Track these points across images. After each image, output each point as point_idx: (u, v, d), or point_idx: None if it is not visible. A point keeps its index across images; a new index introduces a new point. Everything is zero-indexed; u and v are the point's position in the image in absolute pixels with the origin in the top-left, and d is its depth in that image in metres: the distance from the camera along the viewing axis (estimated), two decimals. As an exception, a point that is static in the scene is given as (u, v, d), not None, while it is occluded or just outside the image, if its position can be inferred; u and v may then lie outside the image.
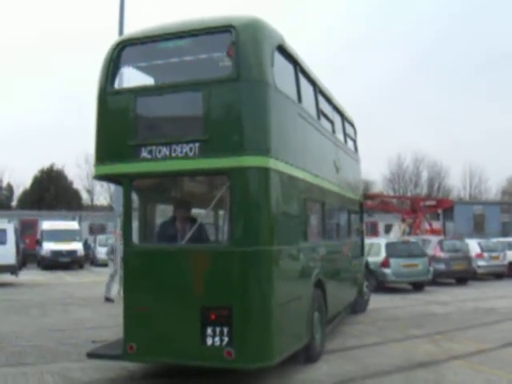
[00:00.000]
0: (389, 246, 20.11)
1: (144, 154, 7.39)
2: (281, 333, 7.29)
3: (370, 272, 19.16)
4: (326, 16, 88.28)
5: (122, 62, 7.85)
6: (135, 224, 7.86)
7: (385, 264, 19.34)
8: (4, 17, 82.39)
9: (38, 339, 10.88)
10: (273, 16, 8.54)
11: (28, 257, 31.56)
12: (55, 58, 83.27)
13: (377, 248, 20.10)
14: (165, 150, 7.30)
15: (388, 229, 42.12)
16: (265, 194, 7.13)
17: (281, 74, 7.83)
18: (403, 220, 33.48)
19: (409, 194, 62.28)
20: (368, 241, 21.62)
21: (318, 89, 9.95)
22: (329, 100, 11.09)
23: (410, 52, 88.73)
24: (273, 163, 7.19)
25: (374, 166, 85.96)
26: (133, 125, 7.52)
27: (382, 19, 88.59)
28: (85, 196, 62.61)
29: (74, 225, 36.69)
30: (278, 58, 7.83)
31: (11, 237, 22.69)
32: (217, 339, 6.90)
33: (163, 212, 9.09)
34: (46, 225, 34.97)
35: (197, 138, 7.16)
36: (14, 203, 59.25)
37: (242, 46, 7.12)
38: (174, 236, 7.92)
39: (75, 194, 58.98)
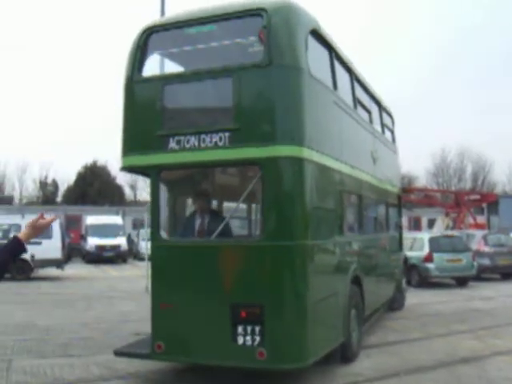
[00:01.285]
0: (432, 240, 19.70)
1: (172, 144, 7.16)
2: (316, 332, 6.98)
3: (412, 267, 19.06)
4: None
5: (150, 49, 7.62)
6: (163, 218, 7.66)
7: (428, 259, 18.96)
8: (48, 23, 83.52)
9: (83, 331, 11.06)
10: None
11: (73, 251, 32.05)
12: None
13: (420, 243, 19.77)
14: (193, 140, 7.06)
15: (431, 223, 41.36)
16: (299, 185, 6.82)
17: (315, 59, 7.49)
18: (447, 214, 32.76)
19: (453, 188, 61.03)
20: (411, 235, 21.55)
21: (354, 76, 9.57)
22: (366, 89, 10.69)
23: (452, 39, 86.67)
24: (307, 153, 6.87)
25: (417, 161, 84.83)
26: (160, 114, 7.29)
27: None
28: (128, 191, 63.19)
29: (117, 219, 36.95)
30: (313, 43, 7.50)
31: (57, 231, 22.97)
32: (248, 338, 6.64)
33: (192, 206, 8.86)
34: (91, 220, 35.36)
35: (227, 127, 6.88)
36: (58, 199, 60.07)
37: (274, 30, 6.81)
38: (193, 230, 7.68)
39: (118, 189, 59.49)
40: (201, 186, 8.78)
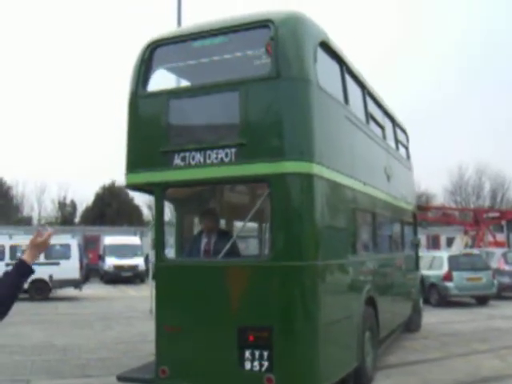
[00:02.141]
0: (451, 258, 19.40)
1: (177, 161, 6.88)
2: (328, 357, 6.60)
3: (432, 286, 18.84)
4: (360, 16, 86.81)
5: (154, 64, 7.38)
6: (170, 237, 7.37)
7: (447, 277, 18.66)
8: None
9: (101, 352, 10.92)
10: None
11: (91, 271, 31.90)
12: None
13: (439, 261, 19.49)
14: (199, 157, 6.77)
15: (450, 242, 40.63)
16: (309, 202, 6.49)
17: (325, 72, 7.20)
18: (466, 232, 32.16)
19: (471, 206, 60.20)
20: (430, 254, 21.43)
21: (366, 91, 9.25)
22: (379, 104, 10.35)
23: (472, 55, 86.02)
24: (317, 169, 6.55)
25: (434, 179, 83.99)
26: (165, 130, 7.03)
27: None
28: (145, 211, 63.04)
29: (135, 240, 36.74)
30: (322, 56, 7.20)
31: (75, 252, 23.02)
32: (256, 364, 6.28)
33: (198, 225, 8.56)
34: (109, 240, 35.23)
35: (233, 143, 6.59)
36: (77, 219, 60.13)
37: (282, 42, 6.53)
38: (200, 249, 7.37)
39: (136, 210, 59.30)
40: (208, 204, 8.48)
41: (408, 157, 13.52)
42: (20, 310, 16.88)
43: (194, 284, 6.77)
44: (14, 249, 22.58)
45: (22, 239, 23.97)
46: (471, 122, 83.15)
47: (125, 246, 34.26)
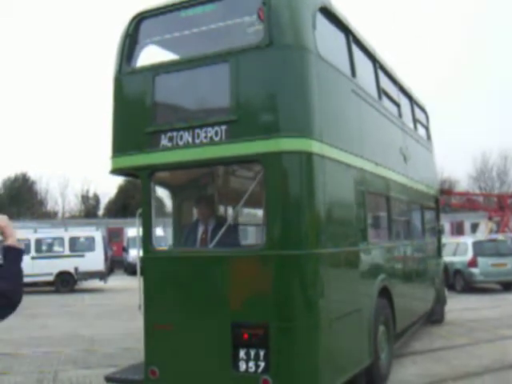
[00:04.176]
0: (476, 244, 18.76)
1: (164, 141, 6.03)
2: (333, 355, 5.72)
3: (457, 272, 18.45)
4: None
5: (141, 38, 6.53)
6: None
7: (472, 263, 18.14)
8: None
9: (127, 342, 10.60)
10: None
11: (115, 263, 31.49)
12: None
13: (463, 247, 19.00)
14: (187, 136, 5.91)
15: (474, 227, 39.46)
16: (307, 184, 5.57)
17: (327, 41, 6.29)
18: (490, 218, 30.88)
19: (495, 192, 58.30)
20: (454, 240, 20.88)
21: (378, 65, 8.24)
22: (393, 79, 9.33)
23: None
24: (317, 147, 5.63)
25: (458, 165, 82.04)
26: (151, 108, 6.19)
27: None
28: (168, 203, 62.86)
29: (159, 231, 36.16)
30: (323, 22, 6.27)
31: (99, 244, 22.75)
32: (251, 364, 5.43)
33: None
34: (132, 232, 34.75)
35: (223, 120, 5.72)
36: (100, 212, 60.04)
37: (275, 6, 5.62)
38: (197, 239, 6.53)
39: (159, 201, 59.09)
40: (205, 190, 7.60)
41: (428, 137, 12.40)
42: (47, 302, 17.95)
43: (184, 277, 5.95)
44: (39, 242, 22.27)
45: (47, 233, 23.61)
46: (494, 107, 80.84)
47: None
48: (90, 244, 22.77)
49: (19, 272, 2.91)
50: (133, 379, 6.20)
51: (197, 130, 5.85)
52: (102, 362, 8.88)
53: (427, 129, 12.34)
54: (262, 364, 5.36)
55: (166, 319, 5.94)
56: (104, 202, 60.40)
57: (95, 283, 23.20)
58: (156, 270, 6.09)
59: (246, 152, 5.60)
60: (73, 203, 62.41)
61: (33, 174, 60.35)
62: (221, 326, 5.59)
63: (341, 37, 6.94)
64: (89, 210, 59.53)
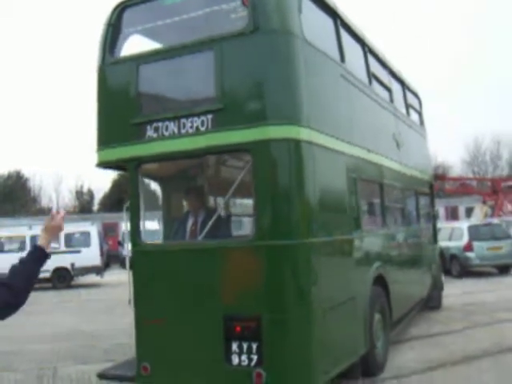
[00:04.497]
0: (471, 229, 18.77)
1: (149, 132, 5.87)
2: (327, 346, 5.58)
3: (453, 257, 18.39)
4: None
5: (124, 27, 6.35)
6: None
7: (468, 248, 18.11)
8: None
9: (125, 337, 10.34)
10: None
11: (111, 258, 31.28)
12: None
13: (459, 232, 18.95)
14: (172, 127, 5.75)
15: (469, 212, 39.29)
16: (296, 172, 5.42)
17: (313, 26, 6.12)
18: (484, 202, 30.76)
19: (489, 176, 58.25)
20: (449, 225, 20.90)
21: (368, 49, 8.06)
22: (384, 64, 9.15)
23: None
24: (306, 134, 5.47)
25: (451, 150, 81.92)
26: (136, 99, 6.02)
27: None
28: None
29: (154, 225, 36.07)
30: (309, 6, 6.11)
31: (95, 239, 22.65)
32: (244, 358, 5.30)
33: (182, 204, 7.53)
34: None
35: (209, 109, 5.56)
36: (95, 207, 59.84)
37: None
38: (186, 231, 6.38)
39: (153, 195, 58.93)
40: (195, 181, 7.45)
41: (422, 123, 12.22)
42: (45, 298, 17.62)
43: (173, 270, 5.81)
44: (34, 239, 22.01)
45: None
46: (487, 91, 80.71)
47: (146, 232, 33.67)
48: (85, 239, 22.62)
49: (35, 273, 2.89)
50: (125, 376, 6.07)
51: (182, 120, 5.69)
52: (101, 357, 8.80)
53: (420, 114, 12.15)
54: (255, 357, 5.24)
55: (156, 314, 5.81)
56: (98, 196, 60.27)
57: (92, 278, 23.04)
58: (145, 264, 5.95)
59: (232, 141, 5.45)
60: (67, 199, 62.31)
61: (26, 172, 60.22)
62: (212, 319, 5.45)
63: (328, 21, 6.76)
64: (83, 205, 59.36)
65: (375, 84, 8.28)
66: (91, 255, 22.04)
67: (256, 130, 5.33)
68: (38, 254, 2.92)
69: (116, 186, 55.43)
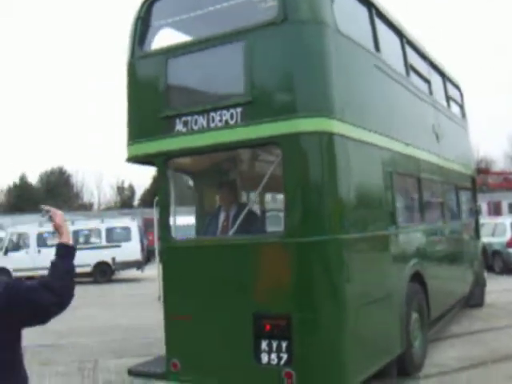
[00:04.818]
0: None
1: (178, 126, 5.78)
2: (360, 345, 5.40)
3: (495, 253, 17.83)
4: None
5: (153, 20, 6.27)
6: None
7: (511, 244, 17.42)
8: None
9: (161, 332, 10.62)
10: None
11: (151, 253, 31.49)
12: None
13: (502, 228, 18.27)
14: (202, 120, 5.64)
15: (512, 207, 38.18)
16: (328, 166, 5.25)
17: (347, 15, 5.92)
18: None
19: (534, 170, 56.37)
20: (492, 220, 20.14)
21: (405, 40, 7.79)
22: (423, 55, 8.84)
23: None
24: (338, 126, 5.28)
25: (494, 144, 79.88)
26: (165, 93, 5.94)
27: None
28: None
29: (193, 220, 36.22)
30: None
31: (136, 234, 22.77)
32: (273, 356, 5.16)
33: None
34: (179, 220, 34.86)
35: (238, 102, 5.43)
36: (135, 202, 60.51)
37: None
38: (217, 227, 6.27)
39: (188, 189, 59.24)
40: (227, 175, 7.34)
41: (463, 115, 11.81)
42: (86, 292, 17.51)
43: (203, 266, 5.70)
44: (76, 234, 22.41)
45: (83, 225, 23.75)
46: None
47: (183, 227, 33.84)
48: (126, 234, 22.82)
49: (71, 270, 2.88)
50: (155, 373, 6.01)
51: (212, 114, 5.58)
52: (140, 350, 8.79)
53: (462, 107, 11.74)
54: (285, 356, 5.09)
55: (185, 310, 5.72)
56: (139, 192, 60.95)
57: (132, 273, 23.18)
58: (174, 260, 5.86)
59: (262, 134, 5.30)
60: (108, 195, 63.28)
61: (69, 168, 61.30)
62: (242, 316, 5.34)
63: (363, 10, 6.54)
64: (124, 201, 60.17)
65: (413, 75, 8.01)
66: (132, 250, 22.21)
67: (285, 122, 5.18)
68: (64, 251, 2.90)
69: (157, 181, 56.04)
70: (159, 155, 5.90)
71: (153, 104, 6.01)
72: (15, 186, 59.04)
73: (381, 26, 6.88)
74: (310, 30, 5.31)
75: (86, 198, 62.62)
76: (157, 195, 6.06)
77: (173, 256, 5.87)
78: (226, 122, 5.48)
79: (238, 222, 5.72)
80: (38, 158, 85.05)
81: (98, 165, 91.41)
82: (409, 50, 7.96)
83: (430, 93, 8.95)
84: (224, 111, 5.49)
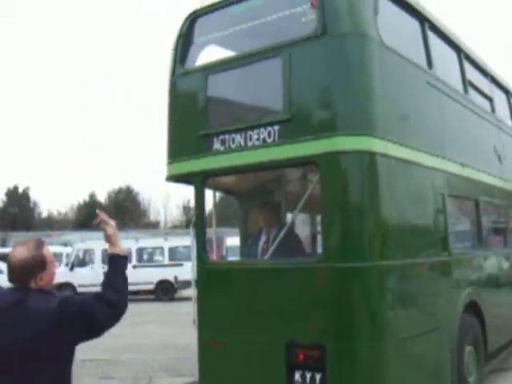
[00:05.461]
0: None
1: (216, 145, 5.60)
2: (403, 381, 4.97)
3: None
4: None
5: (195, 37, 6.14)
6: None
7: None
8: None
9: None
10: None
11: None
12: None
13: None
14: (239, 139, 5.43)
15: None
16: (369, 187, 4.93)
17: (395, 29, 5.60)
18: None
19: None
20: None
21: (463, 55, 7.35)
22: (484, 71, 8.33)
23: None
24: (381, 146, 4.95)
25: None
26: (204, 111, 5.77)
27: None
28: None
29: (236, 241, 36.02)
30: (388, 7, 5.58)
31: None
32: None
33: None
34: (231, 241, 34.82)
35: (276, 119, 5.19)
36: (201, 222, 61.46)
37: None
38: (258, 249, 6.02)
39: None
40: (271, 196, 7.08)
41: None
42: (147, 309, 18.11)
43: (238, 290, 5.46)
44: (140, 251, 22.64)
45: (147, 243, 24.00)
46: None
47: (235, 248, 33.75)
48: (188, 253, 22.90)
49: (124, 280, 2.87)
50: None
51: (249, 132, 5.37)
52: (194, 370, 8.68)
53: (529, 125, 11.02)
54: None
55: (218, 336, 5.49)
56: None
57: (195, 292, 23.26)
58: (208, 283, 5.66)
59: (300, 153, 5.03)
60: (175, 214, 64.12)
61: (136, 186, 62.90)
62: (275, 345, 5.04)
63: (414, 24, 6.18)
64: (190, 220, 60.90)
65: (472, 92, 7.53)
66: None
67: (324, 141, 4.90)
68: (116, 262, 2.88)
69: (221, 201, 56.48)
70: (197, 174, 5.73)
71: (192, 122, 5.86)
72: (85, 203, 60.89)
73: (435, 41, 6.49)
74: (351, 42, 5.02)
75: (152, 217, 63.82)
76: (195, 215, 5.88)
77: (207, 278, 5.67)
78: (264, 140, 5.25)
79: (275, 245, 5.44)
80: (107, 177, 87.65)
81: (165, 184, 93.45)
82: (467, 65, 7.50)
83: (493, 111, 8.41)
84: (261, 129, 5.27)
